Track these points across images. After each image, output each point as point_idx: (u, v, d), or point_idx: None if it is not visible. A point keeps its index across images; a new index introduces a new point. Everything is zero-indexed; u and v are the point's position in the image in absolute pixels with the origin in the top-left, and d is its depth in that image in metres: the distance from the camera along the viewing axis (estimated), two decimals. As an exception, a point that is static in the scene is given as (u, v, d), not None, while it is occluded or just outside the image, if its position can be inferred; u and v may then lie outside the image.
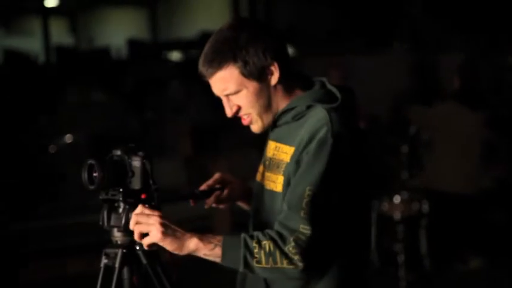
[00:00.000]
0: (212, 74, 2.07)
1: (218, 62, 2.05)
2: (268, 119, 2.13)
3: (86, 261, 5.21)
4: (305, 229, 1.95)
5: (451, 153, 5.64)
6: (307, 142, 2.01)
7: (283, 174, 2.08)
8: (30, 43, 17.73)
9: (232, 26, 2.09)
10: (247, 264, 1.98)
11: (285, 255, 1.96)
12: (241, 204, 2.43)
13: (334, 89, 2.13)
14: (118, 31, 20.69)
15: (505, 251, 5.92)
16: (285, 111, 2.12)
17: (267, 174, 2.17)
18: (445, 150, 5.67)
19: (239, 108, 2.12)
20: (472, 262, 5.69)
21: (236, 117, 2.15)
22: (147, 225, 1.98)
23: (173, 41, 17.78)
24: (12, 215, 6.64)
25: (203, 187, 2.29)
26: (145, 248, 2.02)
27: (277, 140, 2.17)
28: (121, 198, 2.06)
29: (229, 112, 2.13)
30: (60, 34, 20.23)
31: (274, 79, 2.09)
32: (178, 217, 2.11)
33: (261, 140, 2.30)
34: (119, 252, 2.09)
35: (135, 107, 9.64)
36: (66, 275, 5.71)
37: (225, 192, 2.33)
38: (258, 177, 2.26)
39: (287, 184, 2.06)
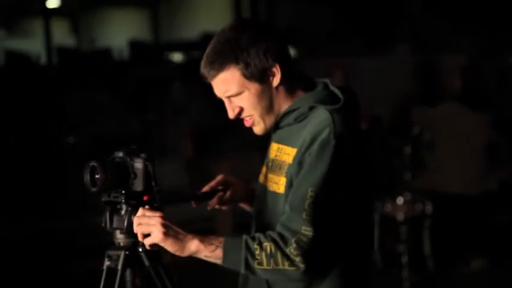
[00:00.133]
0: (214, 76, 2.07)
1: (219, 63, 2.05)
2: (270, 120, 2.13)
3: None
4: (307, 231, 1.94)
5: (453, 154, 5.63)
6: (309, 143, 2.01)
7: (286, 176, 2.08)
8: (32, 44, 17.74)
9: (234, 27, 2.08)
10: (248, 266, 1.97)
11: (286, 256, 1.95)
12: (244, 206, 2.43)
13: (336, 91, 2.12)
14: (120, 32, 20.70)
15: (509, 252, 5.91)
16: (287, 113, 2.12)
17: (270, 175, 2.17)
18: (448, 151, 5.66)
19: (241, 110, 2.11)
20: (475, 263, 5.68)
21: (238, 119, 2.15)
22: (148, 226, 1.98)
23: (175, 42, 17.78)
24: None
25: (205, 189, 2.29)
26: (148, 248, 2.02)
27: (279, 142, 2.16)
28: (123, 200, 2.05)
29: (231, 114, 2.13)
30: (62, 35, 20.23)
31: (276, 80, 2.08)
32: (180, 218, 2.10)
33: (263, 141, 2.29)
34: (122, 254, 2.08)
35: (137, 108, 9.64)
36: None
37: (227, 193, 2.33)
38: (261, 178, 2.26)
39: (289, 185, 2.05)
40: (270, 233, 1.99)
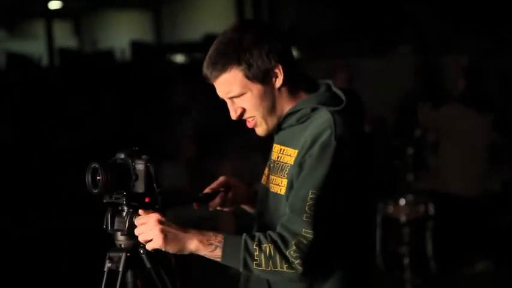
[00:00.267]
0: (216, 76, 2.07)
1: (222, 64, 2.05)
2: (272, 121, 2.13)
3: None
4: (307, 233, 1.94)
5: (457, 155, 5.61)
6: (310, 145, 2.00)
7: (287, 177, 2.07)
8: (34, 46, 17.75)
9: (237, 28, 2.09)
10: (246, 266, 1.98)
11: (285, 259, 1.95)
12: (246, 208, 2.42)
13: (339, 92, 2.12)
14: (122, 34, 20.72)
15: (512, 253, 5.90)
16: (290, 114, 2.11)
17: (272, 177, 2.17)
18: (452, 153, 5.64)
19: (244, 111, 2.11)
20: (478, 265, 5.66)
21: (241, 120, 2.14)
22: (147, 233, 2.00)
23: (177, 44, 17.77)
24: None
25: (207, 190, 2.28)
26: (150, 250, 2.03)
27: (281, 143, 2.16)
28: (125, 202, 2.06)
29: (233, 115, 2.12)
30: (64, 37, 20.24)
31: (278, 82, 2.08)
32: (183, 219, 2.10)
33: (266, 142, 2.29)
34: (123, 255, 2.09)
35: (139, 109, 9.63)
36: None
37: (229, 195, 2.32)
38: (263, 179, 2.25)
39: (290, 187, 2.05)
40: (270, 233, 1.99)
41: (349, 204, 2.02)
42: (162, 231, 1.98)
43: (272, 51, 2.05)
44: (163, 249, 2.00)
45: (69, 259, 5.81)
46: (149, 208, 2.05)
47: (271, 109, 2.10)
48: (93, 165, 2.03)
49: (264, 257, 1.96)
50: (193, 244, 1.98)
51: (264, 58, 2.04)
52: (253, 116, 2.11)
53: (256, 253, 1.96)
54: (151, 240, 2.00)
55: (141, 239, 2.02)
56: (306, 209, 1.95)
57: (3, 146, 7.79)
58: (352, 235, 2.06)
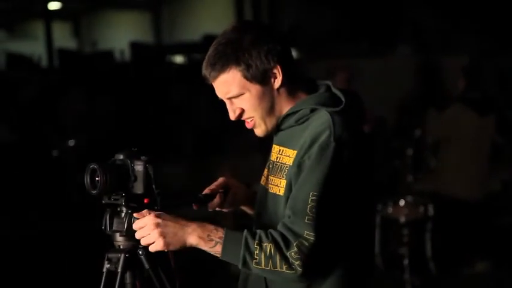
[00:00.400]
0: (215, 77, 2.07)
1: (221, 65, 2.05)
2: (271, 122, 2.12)
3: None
4: (309, 235, 1.94)
5: (457, 156, 5.60)
6: (308, 146, 2.00)
7: (286, 178, 2.07)
8: (33, 46, 17.75)
9: (236, 29, 2.08)
10: (245, 264, 1.98)
11: (285, 259, 1.95)
12: (245, 209, 2.42)
13: (339, 93, 2.11)
14: (121, 34, 20.72)
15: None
16: (289, 115, 2.11)
17: (271, 177, 2.17)
18: (452, 154, 5.63)
19: (242, 112, 2.11)
20: (478, 265, 5.66)
21: (240, 121, 2.14)
22: (148, 238, 2.00)
23: (176, 44, 17.78)
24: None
25: (206, 191, 2.28)
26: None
27: (280, 144, 2.16)
28: (123, 203, 2.05)
29: (232, 115, 2.12)
30: (63, 37, 20.24)
31: (277, 82, 2.08)
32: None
33: (265, 143, 2.28)
34: (122, 256, 2.08)
35: (138, 110, 9.63)
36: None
37: (228, 196, 2.32)
38: (263, 180, 2.25)
39: (289, 187, 2.05)
40: (272, 232, 1.99)
41: (349, 205, 2.01)
42: (161, 234, 1.98)
43: (271, 52, 2.04)
44: (166, 250, 2.01)
45: (68, 259, 5.81)
46: (144, 209, 2.04)
47: (270, 110, 2.10)
48: (91, 166, 2.02)
49: (264, 256, 1.96)
50: (194, 239, 1.99)
51: (262, 59, 2.04)
52: (252, 117, 2.11)
53: (256, 252, 1.96)
54: (153, 243, 2.00)
55: (143, 243, 2.02)
56: (308, 210, 1.94)
57: (2, 146, 7.78)
58: (352, 235, 2.05)
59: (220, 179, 2.32)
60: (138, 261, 2.09)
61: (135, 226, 2.02)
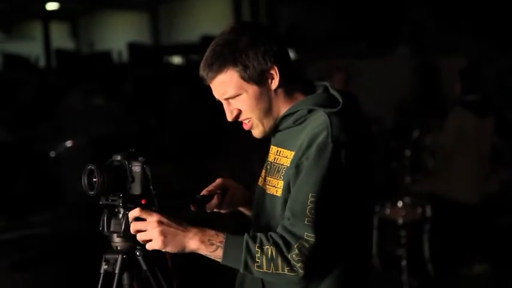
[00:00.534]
0: (212, 77, 2.07)
1: (218, 65, 2.05)
2: (269, 123, 2.12)
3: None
4: (309, 237, 1.94)
5: (458, 158, 5.60)
6: (306, 147, 2.00)
7: (283, 179, 2.07)
8: (31, 47, 17.73)
9: (233, 30, 2.09)
10: (247, 268, 1.98)
11: (287, 262, 1.95)
12: (243, 210, 2.41)
13: (336, 94, 2.11)
14: (119, 35, 20.72)
15: (510, 255, 5.88)
16: (287, 116, 2.11)
17: (268, 178, 2.17)
18: (453, 156, 5.62)
19: (239, 113, 2.11)
20: (476, 267, 5.66)
21: (237, 122, 2.14)
22: (147, 234, 1.99)
23: (174, 45, 17.78)
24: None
25: (204, 192, 2.27)
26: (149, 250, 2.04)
27: (278, 145, 2.16)
28: (121, 204, 2.05)
29: (229, 116, 2.13)
30: (61, 38, 20.23)
31: (274, 83, 2.08)
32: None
33: (263, 144, 2.28)
34: (119, 257, 2.08)
35: (136, 111, 9.61)
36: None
37: (226, 197, 2.31)
38: (260, 181, 2.25)
39: (287, 188, 2.05)
40: (273, 235, 1.99)
41: (348, 205, 2.01)
42: (162, 232, 1.97)
43: (268, 52, 2.05)
44: (162, 250, 2.00)
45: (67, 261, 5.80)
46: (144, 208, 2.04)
47: (267, 111, 2.10)
48: (89, 167, 2.02)
49: (266, 259, 1.96)
50: (194, 244, 1.98)
51: (260, 59, 2.04)
52: (249, 118, 2.11)
53: (257, 255, 1.96)
54: (150, 240, 2.00)
55: (139, 238, 2.01)
56: (307, 212, 1.95)
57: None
58: (350, 236, 2.05)
59: (218, 180, 2.32)
60: (135, 262, 2.09)
61: (134, 213, 2.01)
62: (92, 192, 2.02)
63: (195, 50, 14.17)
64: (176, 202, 2.20)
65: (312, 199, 1.95)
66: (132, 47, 16.74)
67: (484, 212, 5.75)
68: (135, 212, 2.01)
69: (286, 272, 1.95)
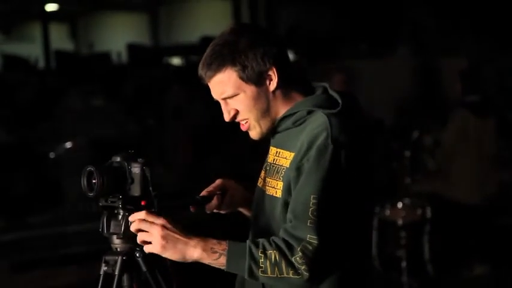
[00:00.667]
0: (211, 77, 2.08)
1: (217, 65, 2.06)
2: (266, 125, 2.12)
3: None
4: (312, 238, 1.94)
5: (460, 159, 5.59)
6: (306, 148, 2.00)
7: (283, 180, 2.07)
8: (30, 48, 17.72)
9: (233, 31, 2.10)
10: (252, 274, 1.98)
11: (291, 265, 1.95)
12: (243, 211, 2.41)
13: (335, 95, 2.11)
14: (118, 36, 20.70)
15: (510, 256, 5.87)
16: (286, 117, 2.11)
17: (267, 179, 2.17)
18: (454, 157, 5.62)
19: (237, 113, 2.11)
20: (475, 268, 5.65)
21: (235, 123, 2.14)
22: (148, 236, 1.99)
23: (174, 46, 17.77)
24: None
25: (204, 193, 2.27)
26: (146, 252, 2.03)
27: (277, 146, 2.16)
28: (120, 205, 2.05)
29: (227, 116, 2.13)
30: (60, 39, 20.22)
31: (272, 84, 2.08)
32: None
33: (263, 145, 2.28)
34: (119, 259, 2.08)
35: (136, 112, 9.61)
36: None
37: (226, 198, 2.31)
38: (260, 182, 2.25)
39: (286, 190, 2.05)
40: (275, 239, 1.98)
41: (348, 206, 2.01)
42: (164, 237, 1.97)
43: (267, 54, 2.05)
44: (161, 255, 1.99)
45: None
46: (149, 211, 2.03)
47: (265, 112, 2.10)
48: (88, 168, 2.02)
49: (270, 264, 1.96)
50: (197, 253, 1.98)
51: (258, 60, 2.05)
52: (247, 119, 2.11)
53: (261, 260, 1.96)
54: (149, 242, 1.99)
55: (139, 237, 2.00)
56: (309, 214, 1.94)
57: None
58: (350, 237, 2.05)
59: (218, 181, 2.32)
60: (135, 264, 2.09)
61: (140, 215, 2.00)
62: (92, 194, 2.02)
63: (195, 51, 14.16)
64: (176, 203, 2.20)
65: (314, 201, 1.94)
66: (132, 48, 16.74)
67: (484, 213, 5.74)
68: (140, 215, 2.00)
69: (290, 275, 1.95)
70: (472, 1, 10.97)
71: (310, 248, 1.93)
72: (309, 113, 2.07)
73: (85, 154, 7.38)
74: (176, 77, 11.04)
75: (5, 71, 14.81)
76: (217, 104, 2.15)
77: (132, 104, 10.01)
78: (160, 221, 1.99)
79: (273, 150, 2.18)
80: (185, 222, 2.04)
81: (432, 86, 8.86)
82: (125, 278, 2.10)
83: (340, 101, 2.08)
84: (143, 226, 1.99)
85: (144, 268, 2.09)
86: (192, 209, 2.24)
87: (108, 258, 2.09)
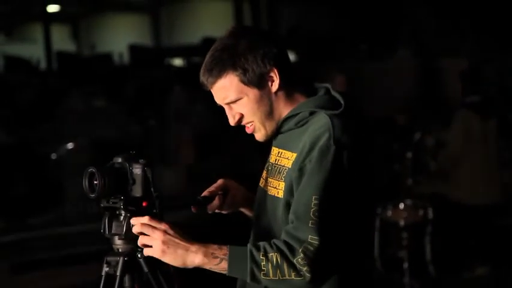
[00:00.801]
0: (213, 83, 2.08)
1: (218, 70, 2.06)
2: (271, 126, 2.13)
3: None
4: (314, 239, 1.93)
5: (463, 160, 5.58)
6: (309, 149, 2.00)
7: (285, 181, 2.07)
8: (32, 49, 17.72)
9: (231, 35, 2.09)
10: (254, 277, 1.97)
11: (293, 267, 1.94)
12: (244, 211, 2.41)
13: (338, 96, 2.12)
14: (120, 37, 20.70)
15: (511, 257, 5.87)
16: (288, 118, 2.11)
17: (270, 180, 2.17)
18: (460, 159, 5.61)
19: (242, 117, 2.11)
20: (477, 269, 5.65)
21: (240, 126, 2.14)
22: (149, 239, 1.99)
23: (175, 47, 17.77)
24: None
25: (205, 193, 2.27)
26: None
27: (279, 146, 2.16)
28: (122, 206, 2.04)
29: (232, 121, 2.13)
30: (62, 40, 20.23)
31: (274, 86, 2.08)
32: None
33: (265, 146, 2.28)
34: (120, 260, 2.08)
35: (137, 113, 9.62)
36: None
37: (228, 198, 2.31)
38: (261, 182, 2.25)
39: (288, 190, 2.05)
40: (276, 242, 1.98)
41: (350, 207, 2.01)
42: (165, 242, 1.96)
43: (267, 55, 2.05)
44: (160, 259, 1.99)
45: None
46: (147, 212, 2.03)
47: (269, 113, 2.10)
48: (90, 170, 2.02)
49: (271, 267, 1.95)
50: (198, 259, 1.97)
51: (259, 62, 2.04)
52: (252, 122, 2.11)
53: (263, 263, 1.96)
54: (150, 246, 1.99)
55: (140, 241, 2.00)
56: (311, 215, 1.94)
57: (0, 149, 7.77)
58: (351, 238, 2.05)
59: (219, 181, 2.31)
60: (137, 265, 2.09)
61: (144, 220, 1.99)
62: (93, 195, 2.02)
63: (196, 52, 14.16)
64: (177, 204, 2.20)
65: (316, 201, 1.94)
66: (133, 49, 16.73)
67: (486, 214, 5.74)
68: (143, 219, 2.00)
69: (293, 277, 1.94)
70: (472, 1, 10.97)
71: (312, 249, 1.93)
72: (312, 113, 2.07)
73: (86, 155, 7.38)
74: (178, 78, 11.03)
75: (6, 72, 14.82)
76: (220, 106, 2.15)
77: (134, 105, 10.01)
78: (162, 226, 1.98)
79: (275, 150, 2.18)
80: (185, 222, 2.03)
81: (433, 87, 8.86)
82: (126, 278, 2.09)
83: (342, 102, 2.08)
84: (145, 230, 1.99)
85: (145, 269, 2.08)
86: (193, 209, 2.24)
87: (109, 259, 2.09)
